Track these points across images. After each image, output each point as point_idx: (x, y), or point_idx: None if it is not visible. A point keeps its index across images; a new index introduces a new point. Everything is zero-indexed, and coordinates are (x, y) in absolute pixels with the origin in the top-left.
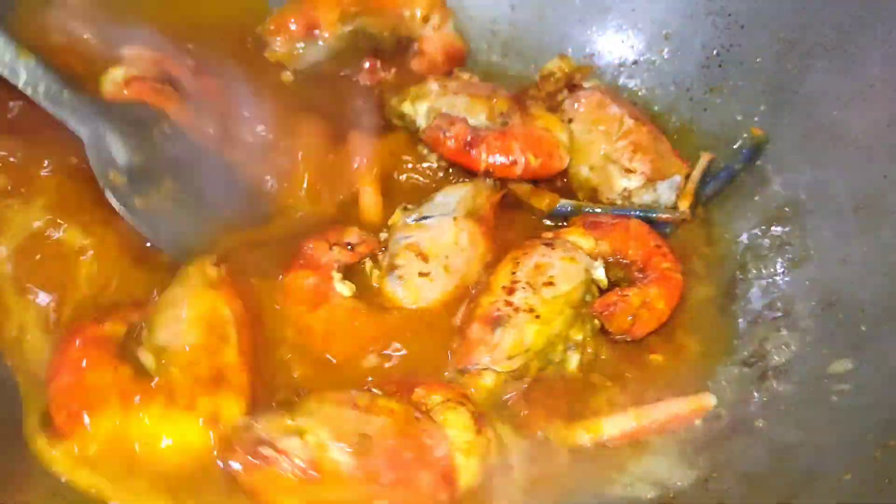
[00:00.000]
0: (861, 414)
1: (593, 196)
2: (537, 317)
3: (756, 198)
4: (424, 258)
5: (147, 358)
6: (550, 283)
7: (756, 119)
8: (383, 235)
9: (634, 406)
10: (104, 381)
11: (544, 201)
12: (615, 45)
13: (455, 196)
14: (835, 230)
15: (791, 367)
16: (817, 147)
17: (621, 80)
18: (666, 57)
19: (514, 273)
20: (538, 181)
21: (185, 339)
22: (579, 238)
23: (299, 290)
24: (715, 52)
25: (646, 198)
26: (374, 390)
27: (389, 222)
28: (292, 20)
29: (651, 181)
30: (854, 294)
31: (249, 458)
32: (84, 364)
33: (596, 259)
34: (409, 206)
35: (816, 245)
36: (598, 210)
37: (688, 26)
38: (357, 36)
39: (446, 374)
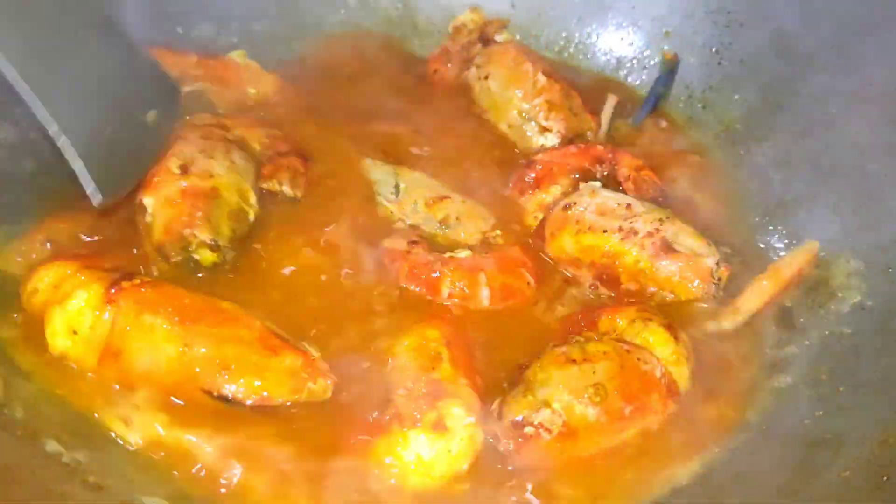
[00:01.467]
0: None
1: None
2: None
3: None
4: None
5: None
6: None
7: (756, 118)
8: None
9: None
10: None
11: None
12: (615, 43)
13: None
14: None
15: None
16: (817, 146)
17: (620, 77)
18: None
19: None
20: None
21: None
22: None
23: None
24: (714, 50)
25: None
26: (576, 339)
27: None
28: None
29: (566, 139)
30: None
31: (516, 441)
32: None
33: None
34: None
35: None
36: None
37: (688, 24)
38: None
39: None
